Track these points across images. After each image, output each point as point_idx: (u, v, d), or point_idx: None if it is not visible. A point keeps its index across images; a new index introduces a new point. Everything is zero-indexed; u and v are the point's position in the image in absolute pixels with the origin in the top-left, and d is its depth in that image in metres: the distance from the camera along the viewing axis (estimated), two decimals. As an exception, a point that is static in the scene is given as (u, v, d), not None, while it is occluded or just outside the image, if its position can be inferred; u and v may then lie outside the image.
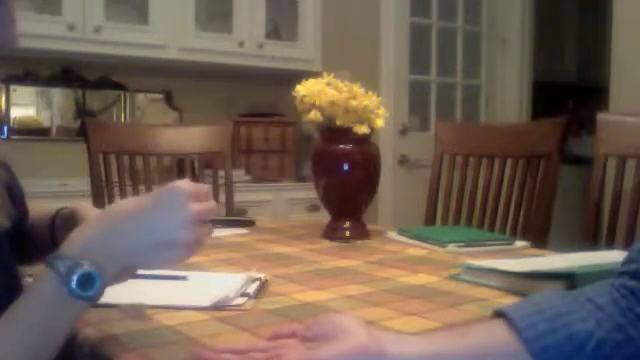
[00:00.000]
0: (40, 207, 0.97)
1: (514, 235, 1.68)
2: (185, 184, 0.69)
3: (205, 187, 0.72)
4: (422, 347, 0.65)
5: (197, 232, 0.69)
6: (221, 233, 1.64)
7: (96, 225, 0.68)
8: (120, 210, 0.69)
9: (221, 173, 2.06)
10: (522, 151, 1.79)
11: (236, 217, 1.94)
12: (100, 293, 0.65)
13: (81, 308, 0.65)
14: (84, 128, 1.98)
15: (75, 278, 0.62)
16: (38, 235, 0.93)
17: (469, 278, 1.11)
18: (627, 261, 0.70)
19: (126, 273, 0.71)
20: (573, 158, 3.76)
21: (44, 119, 3.08)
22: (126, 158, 1.97)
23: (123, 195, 1.94)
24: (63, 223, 0.89)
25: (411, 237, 1.51)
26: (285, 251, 1.39)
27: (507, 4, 3.93)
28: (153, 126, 2.34)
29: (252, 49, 3.24)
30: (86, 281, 0.63)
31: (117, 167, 1.95)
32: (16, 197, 0.88)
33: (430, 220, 1.93)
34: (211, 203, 0.71)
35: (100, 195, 1.90)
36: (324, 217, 1.63)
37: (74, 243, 0.66)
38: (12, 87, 2.96)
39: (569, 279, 0.94)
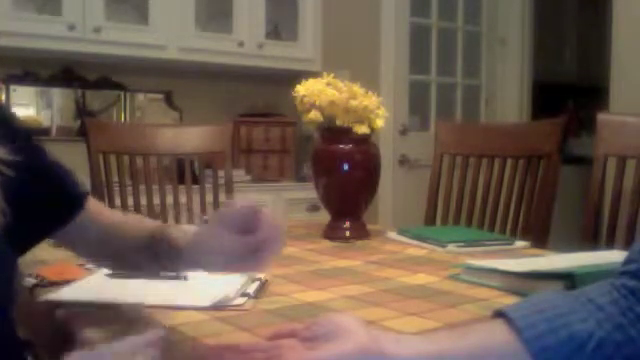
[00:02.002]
0: (141, 222, 0.91)
1: (514, 235, 1.68)
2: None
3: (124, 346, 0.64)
4: (422, 347, 0.64)
5: None
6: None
7: None
8: None
9: (221, 173, 2.06)
10: (522, 151, 1.79)
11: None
12: None
13: None
14: (84, 128, 1.98)
15: None
16: (132, 249, 0.88)
17: (469, 278, 1.11)
18: (627, 261, 0.70)
19: None
20: (573, 158, 3.76)
21: (44, 119, 3.08)
22: (126, 158, 1.97)
23: (123, 195, 1.94)
24: (160, 244, 0.83)
25: (411, 237, 1.51)
26: (285, 251, 1.38)
27: (507, 4, 3.93)
28: (153, 126, 2.34)
29: (252, 49, 3.23)
30: None
31: (117, 167, 1.95)
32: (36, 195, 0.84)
33: (430, 220, 1.93)
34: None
35: (100, 195, 1.90)
36: (324, 217, 1.63)
37: None
38: (12, 87, 2.96)
39: (569, 279, 0.94)
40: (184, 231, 0.80)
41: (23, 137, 0.84)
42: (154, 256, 0.82)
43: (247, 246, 0.69)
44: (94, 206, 0.92)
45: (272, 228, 0.69)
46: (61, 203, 0.87)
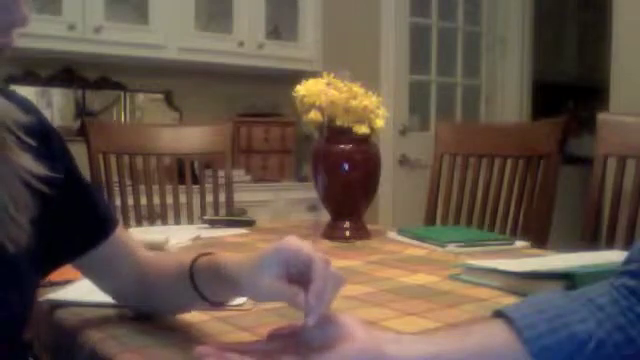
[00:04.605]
0: (171, 258, 0.85)
1: (514, 235, 1.68)
2: None
3: None
4: (422, 347, 0.64)
5: None
6: (221, 233, 1.64)
7: None
8: None
9: (221, 173, 2.06)
10: (522, 151, 1.79)
11: (236, 217, 1.94)
12: None
13: None
14: (84, 128, 1.98)
15: None
16: (172, 285, 0.82)
17: (469, 278, 1.11)
18: (627, 261, 0.70)
19: None
20: (573, 158, 3.76)
21: (44, 119, 3.08)
22: (126, 158, 1.97)
23: (123, 195, 1.94)
24: (202, 273, 0.77)
25: (411, 237, 1.51)
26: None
27: (507, 4, 3.93)
28: (153, 126, 2.34)
29: (252, 49, 3.23)
30: None
31: (117, 167, 1.95)
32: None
33: (430, 220, 1.93)
34: None
35: (100, 195, 1.90)
36: (324, 217, 1.63)
37: None
38: (12, 87, 2.96)
39: (569, 279, 0.94)
40: (235, 261, 0.75)
41: (60, 154, 0.80)
42: (193, 285, 0.77)
43: (293, 302, 0.66)
44: (126, 239, 0.87)
45: (320, 300, 0.65)
46: (88, 227, 0.83)
